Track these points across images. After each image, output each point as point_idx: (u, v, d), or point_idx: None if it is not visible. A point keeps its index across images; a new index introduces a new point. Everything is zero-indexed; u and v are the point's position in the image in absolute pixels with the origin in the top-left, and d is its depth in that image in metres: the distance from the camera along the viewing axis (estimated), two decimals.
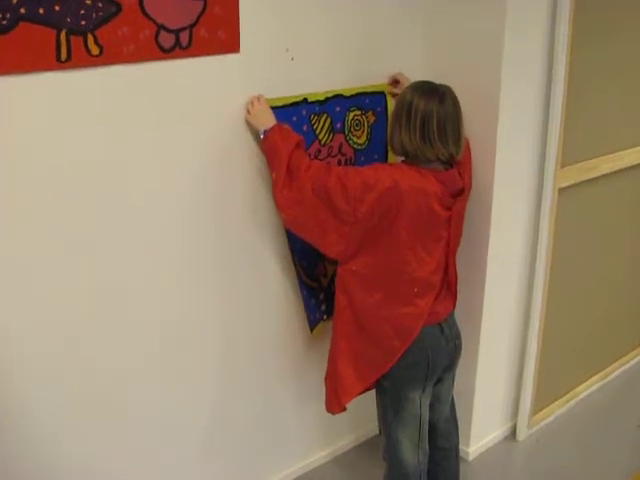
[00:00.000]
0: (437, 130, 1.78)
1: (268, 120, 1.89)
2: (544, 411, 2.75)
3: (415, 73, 2.16)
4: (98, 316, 1.80)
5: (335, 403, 2.03)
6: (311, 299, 2.21)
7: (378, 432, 2.16)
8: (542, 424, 2.75)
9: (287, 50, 1.94)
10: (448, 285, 2.00)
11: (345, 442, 2.62)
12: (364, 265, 1.87)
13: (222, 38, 1.80)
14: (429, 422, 2.07)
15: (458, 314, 2.08)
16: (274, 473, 2.43)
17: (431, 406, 2.07)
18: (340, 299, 1.94)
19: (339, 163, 2.14)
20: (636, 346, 3.16)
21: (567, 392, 2.84)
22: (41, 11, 1.48)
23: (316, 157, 2.08)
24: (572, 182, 2.38)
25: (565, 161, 2.32)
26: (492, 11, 2.04)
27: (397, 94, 2.09)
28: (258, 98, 1.89)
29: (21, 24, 1.47)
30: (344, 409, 2.05)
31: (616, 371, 3.05)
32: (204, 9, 1.74)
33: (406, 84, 2.06)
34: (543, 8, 2.12)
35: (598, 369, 2.96)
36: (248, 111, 1.89)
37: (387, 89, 2.21)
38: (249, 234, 2.04)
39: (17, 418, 1.73)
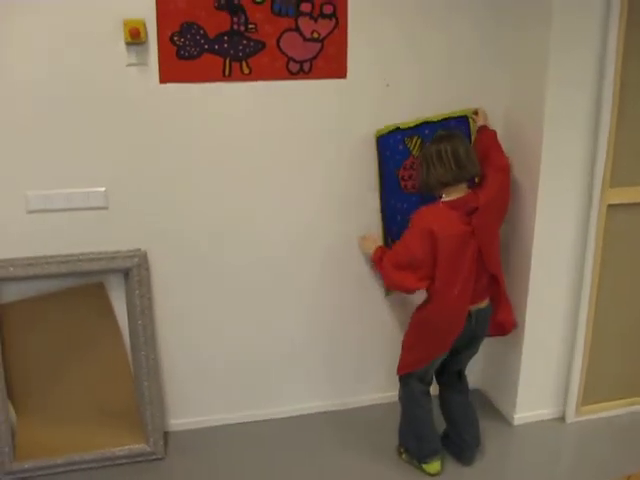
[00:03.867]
0: (449, 159, 2.46)
1: (370, 248, 2.79)
2: (601, 405, 3.08)
3: (494, 101, 2.83)
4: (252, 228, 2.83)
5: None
6: None
7: None
8: (598, 416, 3.08)
9: (384, 79, 2.76)
10: (486, 284, 2.61)
11: None
12: (431, 288, 2.54)
13: (334, 67, 2.69)
14: (443, 371, 2.74)
15: None
16: (363, 394, 3.20)
17: (447, 365, 2.71)
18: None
19: None
20: None
21: (630, 397, 3.14)
22: (216, 47, 2.55)
23: (411, 167, 2.83)
24: (623, 201, 2.79)
25: (616, 182, 2.75)
26: (538, 36, 2.63)
27: (475, 120, 2.81)
28: (365, 237, 2.86)
29: (204, 54, 2.55)
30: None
31: None
32: (322, 49, 2.66)
33: (482, 115, 2.80)
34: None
35: None
36: (360, 244, 2.88)
37: (469, 113, 2.86)
38: (357, 212, 2.90)
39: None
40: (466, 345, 2.66)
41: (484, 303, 2.62)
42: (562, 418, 3.10)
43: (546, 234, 2.79)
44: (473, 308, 2.56)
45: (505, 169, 2.69)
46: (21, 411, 2.75)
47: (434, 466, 2.72)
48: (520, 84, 2.78)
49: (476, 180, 2.66)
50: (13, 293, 2.63)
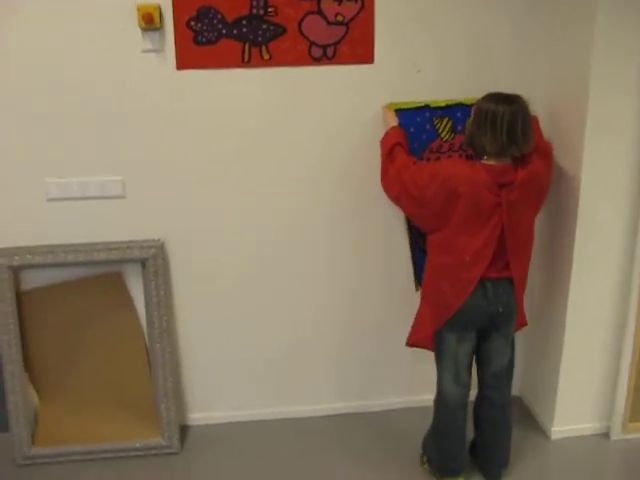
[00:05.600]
0: (503, 128, 2.22)
1: (389, 124, 2.55)
2: None
3: (533, 90, 2.58)
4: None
5: (410, 336, 2.58)
6: (423, 261, 2.77)
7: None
8: None
9: (414, 65, 2.59)
10: (506, 262, 2.35)
11: None
12: (437, 237, 2.41)
13: (360, 52, 2.55)
14: (479, 373, 2.53)
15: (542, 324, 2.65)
16: (388, 397, 3.05)
17: (481, 360, 2.50)
18: (428, 259, 2.51)
19: (460, 157, 2.65)
20: None
21: None
22: (235, 31, 2.45)
23: (438, 151, 2.63)
24: None
25: None
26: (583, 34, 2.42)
27: None
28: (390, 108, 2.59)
29: (222, 39, 2.46)
30: (412, 345, 2.57)
31: None
32: (346, 32, 2.52)
33: None
34: None
35: None
36: (384, 112, 2.60)
37: None
38: (380, 209, 2.74)
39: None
40: (490, 325, 2.40)
41: (502, 277, 2.36)
42: (606, 434, 2.85)
43: (590, 231, 2.57)
44: (487, 281, 2.34)
45: (550, 155, 2.49)
46: (43, 397, 2.77)
47: None
48: (561, 76, 2.57)
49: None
50: (32, 281, 2.64)
